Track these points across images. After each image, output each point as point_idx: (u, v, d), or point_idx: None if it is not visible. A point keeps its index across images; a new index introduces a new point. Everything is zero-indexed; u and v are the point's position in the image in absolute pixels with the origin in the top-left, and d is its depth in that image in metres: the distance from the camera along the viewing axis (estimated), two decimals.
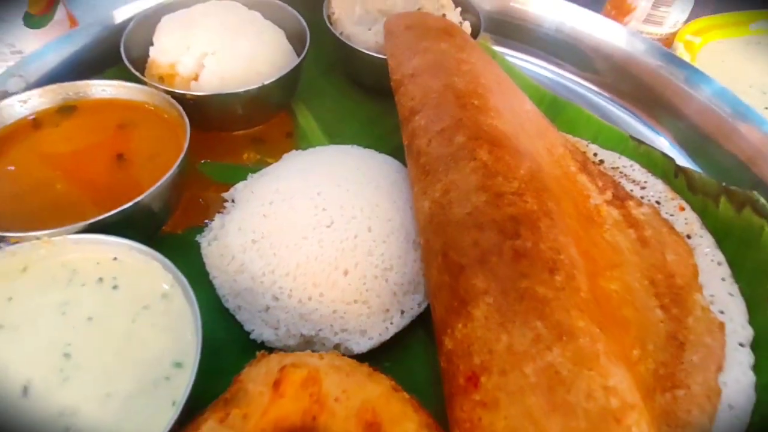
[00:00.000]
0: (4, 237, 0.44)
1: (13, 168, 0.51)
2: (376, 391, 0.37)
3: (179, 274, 0.43)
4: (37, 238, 0.44)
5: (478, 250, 0.42)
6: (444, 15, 0.70)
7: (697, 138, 0.70)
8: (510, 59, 0.81)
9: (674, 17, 0.84)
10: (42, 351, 0.40)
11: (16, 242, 0.43)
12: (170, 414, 0.37)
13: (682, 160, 0.71)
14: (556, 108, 0.74)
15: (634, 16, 0.85)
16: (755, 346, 0.52)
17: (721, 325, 0.54)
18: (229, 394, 0.37)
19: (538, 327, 0.37)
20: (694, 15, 0.89)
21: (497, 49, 0.82)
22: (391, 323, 0.49)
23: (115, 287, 0.43)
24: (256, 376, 0.37)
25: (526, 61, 0.82)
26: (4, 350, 0.39)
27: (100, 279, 0.44)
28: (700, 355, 0.52)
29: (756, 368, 0.50)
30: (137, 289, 0.44)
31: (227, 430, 0.34)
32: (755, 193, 0.58)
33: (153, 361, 0.40)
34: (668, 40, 0.86)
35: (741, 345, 0.52)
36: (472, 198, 0.45)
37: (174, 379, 0.39)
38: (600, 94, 0.78)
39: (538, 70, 0.81)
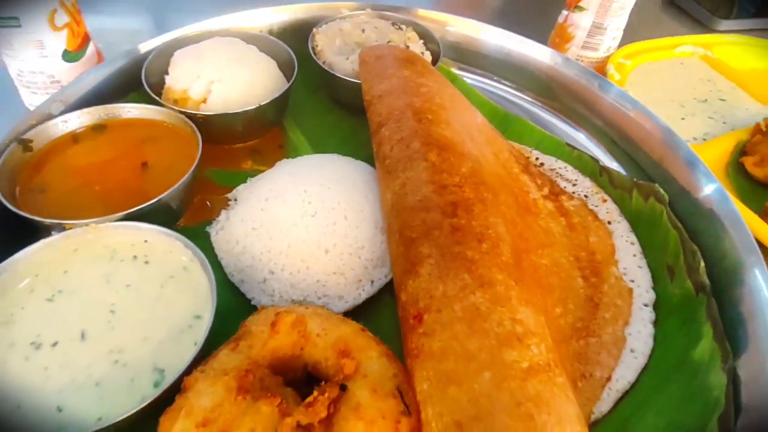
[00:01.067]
0: (60, 224, 0.56)
1: (60, 173, 0.64)
2: (348, 330, 0.50)
3: (197, 249, 0.56)
4: (86, 225, 0.56)
5: (425, 226, 0.55)
6: (408, 47, 0.84)
7: (621, 142, 0.84)
8: (469, 81, 0.95)
9: (607, 43, 0.99)
10: (93, 308, 0.52)
11: (70, 228, 0.56)
12: (192, 351, 0.49)
13: (607, 161, 0.84)
14: (506, 121, 0.88)
15: (574, 43, 1.00)
16: (656, 306, 0.65)
17: (630, 291, 0.67)
18: (238, 334, 0.50)
19: (466, 278, 0.50)
20: (628, 40, 1.05)
21: (458, 72, 0.96)
22: (363, 290, 0.62)
23: (146, 262, 0.56)
24: (258, 321, 0.50)
25: (482, 82, 0.97)
26: (65, 308, 0.51)
27: (135, 256, 0.56)
28: (611, 313, 0.65)
29: (655, 323, 0.63)
30: (164, 263, 0.56)
31: (237, 355, 0.46)
32: (656, 185, 0.72)
33: (178, 315, 0.52)
34: (603, 63, 1.01)
35: (645, 305, 0.66)
36: (422, 189, 0.59)
37: (195, 327, 0.51)
38: (543, 108, 0.93)
39: (492, 89, 0.95)
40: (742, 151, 0.87)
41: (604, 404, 0.56)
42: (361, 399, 0.44)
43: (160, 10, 1.04)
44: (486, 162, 0.71)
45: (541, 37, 0.98)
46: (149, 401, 0.44)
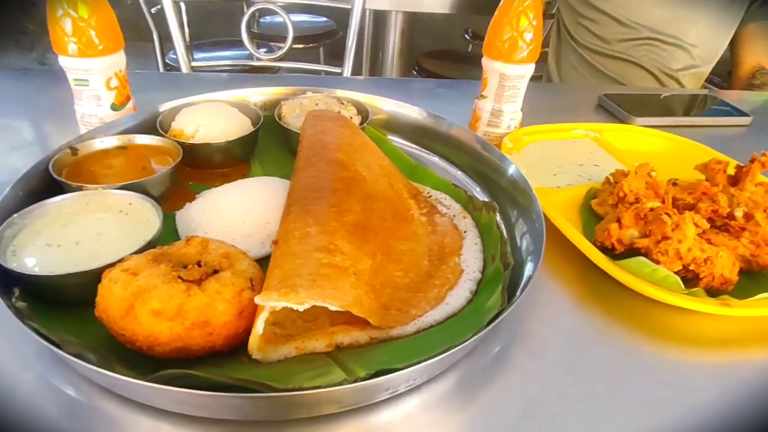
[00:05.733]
0: (81, 187, 0.90)
1: (91, 170, 1.00)
2: (232, 249, 0.79)
3: (159, 210, 0.87)
4: (96, 189, 0.90)
5: (298, 197, 0.85)
6: (340, 111, 1.20)
7: (489, 182, 1.13)
8: (394, 142, 1.29)
9: (506, 123, 1.31)
10: (88, 232, 0.83)
11: (86, 190, 0.90)
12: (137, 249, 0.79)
13: (480, 195, 1.12)
14: (415, 170, 1.19)
15: (482, 122, 1.33)
16: (479, 283, 0.89)
17: (462, 271, 0.91)
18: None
19: (310, 221, 0.78)
20: (528, 123, 1.36)
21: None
22: (264, 249, 0.90)
23: (127, 214, 0.88)
24: (178, 241, 0.80)
25: (402, 144, 1.30)
26: (71, 231, 0.83)
27: (121, 210, 0.89)
28: (440, 281, 0.88)
29: (474, 293, 0.87)
30: (138, 216, 0.88)
31: (159, 250, 0.76)
32: (493, 202, 0.99)
33: (137, 241, 0.83)
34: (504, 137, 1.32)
35: (470, 280, 0.89)
36: (307, 180, 0.89)
37: (144, 246, 0.82)
38: (445, 161, 1.24)
39: (409, 149, 1.29)
40: (593, 196, 1.13)
41: (408, 329, 0.78)
42: (223, 276, 0.71)
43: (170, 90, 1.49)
44: (374, 182, 1.02)
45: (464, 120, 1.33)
46: (102, 266, 0.74)
